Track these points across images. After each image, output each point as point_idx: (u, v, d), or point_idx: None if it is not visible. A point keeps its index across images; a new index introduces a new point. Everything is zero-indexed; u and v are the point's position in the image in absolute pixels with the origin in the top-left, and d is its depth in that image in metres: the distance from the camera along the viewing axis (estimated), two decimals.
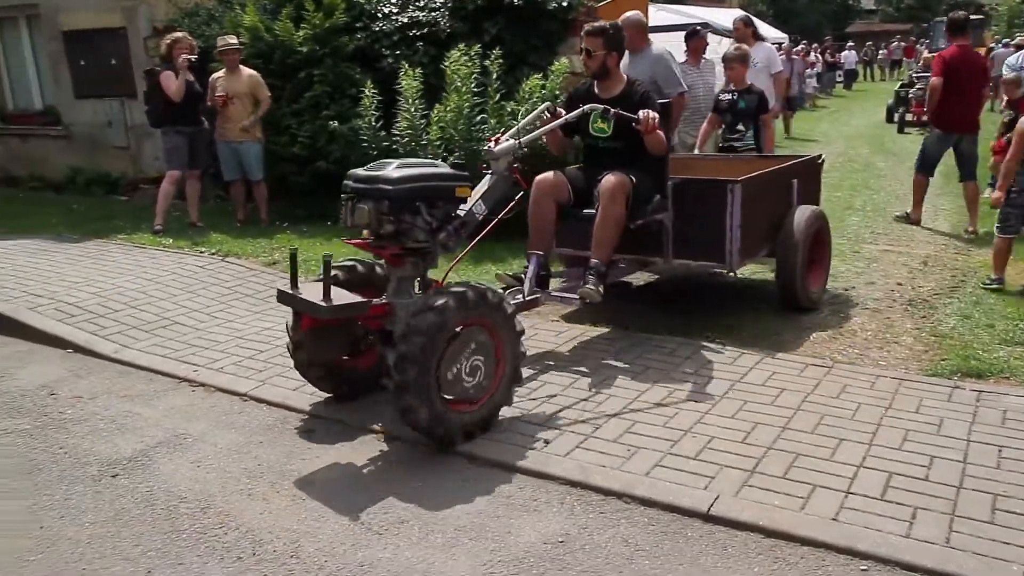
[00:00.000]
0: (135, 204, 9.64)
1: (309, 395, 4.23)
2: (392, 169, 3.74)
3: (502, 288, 4.61)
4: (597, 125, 4.68)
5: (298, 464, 3.65)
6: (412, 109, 7.23)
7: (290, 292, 3.72)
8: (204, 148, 8.17)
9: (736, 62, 6.63)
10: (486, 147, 4.29)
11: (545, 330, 5.12)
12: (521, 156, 4.32)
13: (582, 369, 4.47)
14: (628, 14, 6.38)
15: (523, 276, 4.62)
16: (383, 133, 7.49)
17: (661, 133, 4.54)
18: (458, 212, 3.97)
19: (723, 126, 6.70)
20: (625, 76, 4.95)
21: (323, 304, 3.52)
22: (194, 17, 9.69)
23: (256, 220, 8.24)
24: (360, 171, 3.82)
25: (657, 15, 12.08)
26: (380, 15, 8.33)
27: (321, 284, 3.59)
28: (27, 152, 11.82)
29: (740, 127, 6.63)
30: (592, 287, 4.49)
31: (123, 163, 10.75)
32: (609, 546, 2.96)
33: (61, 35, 10.97)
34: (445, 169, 3.93)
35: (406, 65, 7.49)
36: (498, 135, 4.44)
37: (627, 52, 6.28)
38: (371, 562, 2.91)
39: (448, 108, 7.07)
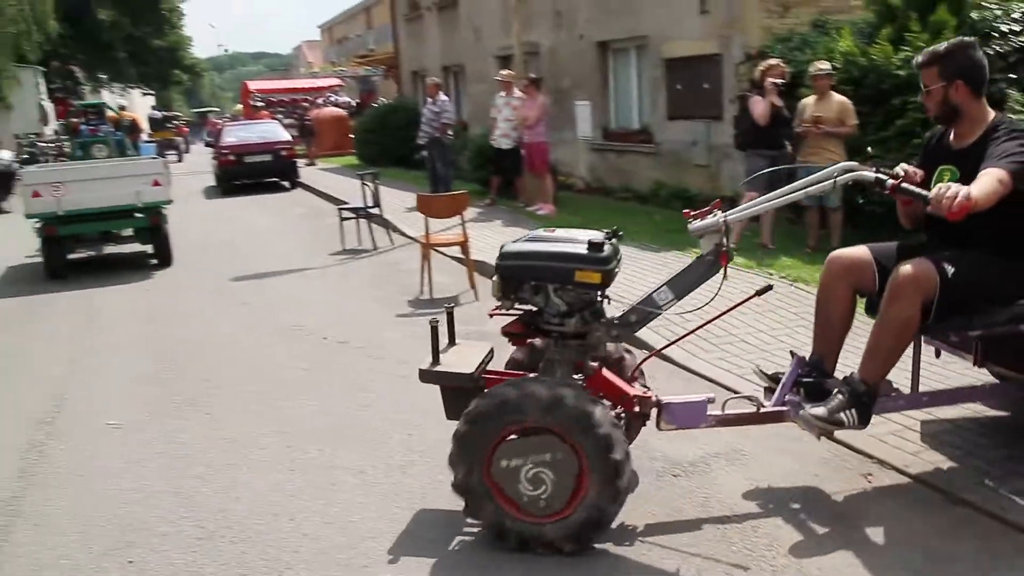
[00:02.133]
0: None
1: (871, 437, 4.03)
2: (515, 242, 3.49)
3: (765, 387, 3.80)
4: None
5: (850, 507, 3.51)
6: None
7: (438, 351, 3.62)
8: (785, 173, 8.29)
9: None
10: (688, 222, 3.44)
11: None
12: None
13: None
14: None
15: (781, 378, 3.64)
16: None
17: (981, 200, 2.94)
18: (603, 298, 3.50)
19: None
20: (991, 115, 3.46)
21: (423, 368, 3.54)
22: (787, 43, 9.88)
23: (826, 247, 8.10)
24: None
25: None
26: (996, 34, 7.53)
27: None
28: (621, 166, 13.32)
29: None
30: (823, 411, 3.29)
31: (701, 180, 11.46)
32: None
33: (662, 62, 12.09)
34: (572, 248, 3.34)
35: (1015, 91, 6.68)
36: (707, 208, 3.45)
37: None
38: None
39: None
